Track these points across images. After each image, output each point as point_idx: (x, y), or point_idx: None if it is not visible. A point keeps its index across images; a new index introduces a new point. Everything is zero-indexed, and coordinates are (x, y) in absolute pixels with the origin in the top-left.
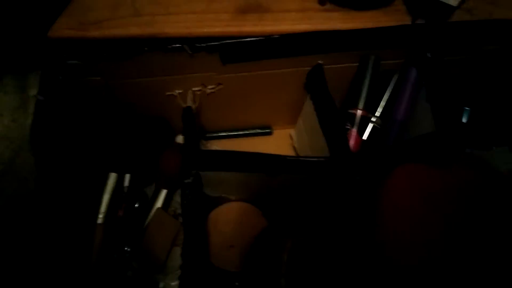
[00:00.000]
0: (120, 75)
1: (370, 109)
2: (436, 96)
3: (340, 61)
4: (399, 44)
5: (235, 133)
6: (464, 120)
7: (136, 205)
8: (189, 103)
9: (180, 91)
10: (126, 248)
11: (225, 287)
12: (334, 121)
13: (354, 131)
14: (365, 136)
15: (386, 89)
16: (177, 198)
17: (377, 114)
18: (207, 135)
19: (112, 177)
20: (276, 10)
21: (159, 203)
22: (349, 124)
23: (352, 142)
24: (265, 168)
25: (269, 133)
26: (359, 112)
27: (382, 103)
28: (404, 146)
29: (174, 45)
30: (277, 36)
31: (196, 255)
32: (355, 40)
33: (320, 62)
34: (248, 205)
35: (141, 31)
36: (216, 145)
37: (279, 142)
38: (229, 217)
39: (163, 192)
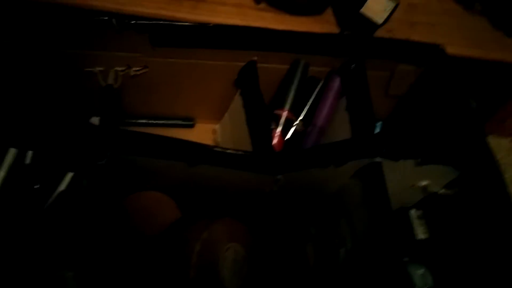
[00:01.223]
0: (39, 41)
1: (294, 112)
2: (354, 107)
3: (271, 61)
4: (326, 51)
5: (156, 121)
6: (377, 130)
7: (36, 187)
8: (111, 82)
9: (102, 69)
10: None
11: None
12: (261, 119)
13: (278, 131)
14: (287, 137)
15: (311, 95)
16: (85, 183)
17: (301, 117)
18: (126, 120)
19: (11, 152)
20: (211, 1)
21: (62, 187)
22: (274, 124)
23: (275, 141)
24: (186, 156)
25: (191, 126)
26: (284, 114)
27: (306, 108)
28: (318, 150)
29: (100, 17)
30: (211, 25)
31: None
32: (287, 42)
33: (254, 59)
34: (161, 195)
35: None
36: None
37: (200, 136)
38: (140, 206)
39: (69, 175)
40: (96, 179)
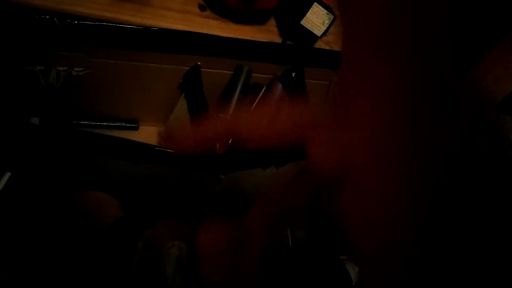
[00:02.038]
0: None
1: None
2: None
3: (216, 67)
4: (269, 59)
5: (98, 123)
6: None
7: None
8: (52, 81)
9: (42, 68)
10: None
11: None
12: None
13: None
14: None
15: (253, 100)
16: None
17: None
18: (68, 121)
19: None
20: (156, 5)
21: (0, 186)
22: None
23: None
24: (129, 155)
25: (135, 128)
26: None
27: None
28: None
29: (42, 16)
30: (156, 28)
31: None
32: (231, 48)
33: (198, 63)
34: (104, 195)
35: None
36: None
37: (145, 138)
38: (81, 206)
39: (7, 175)
40: (36, 179)
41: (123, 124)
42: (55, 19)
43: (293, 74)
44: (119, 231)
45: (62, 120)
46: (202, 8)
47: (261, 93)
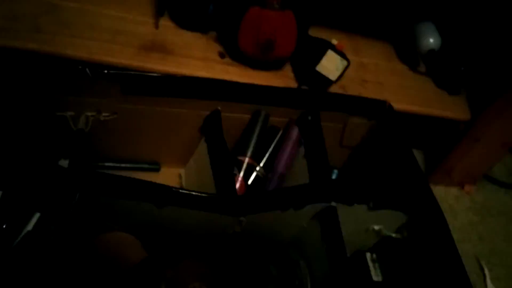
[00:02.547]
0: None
1: (256, 159)
2: (312, 154)
3: (235, 111)
4: (285, 104)
5: (122, 165)
6: (333, 177)
7: (3, 226)
8: (81, 126)
9: (72, 114)
10: None
11: None
12: (225, 164)
13: (240, 176)
14: (249, 182)
15: (271, 143)
16: (52, 223)
17: (262, 164)
18: (93, 163)
19: None
20: (179, 54)
21: (30, 227)
22: (236, 170)
23: (237, 185)
24: (153, 197)
25: (157, 170)
26: (246, 160)
27: (267, 155)
28: (278, 194)
29: (75, 66)
30: (179, 76)
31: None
32: (249, 93)
33: (218, 108)
34: (128, 236)
35: (39, 47)
36: None
37: (166, 180)
38: (106, 247)
39: (36, 215)
40: (64, 220)
41: (146, 165)
42: (87, 69)
43: (309, 118)
44: (142, 272)
45: (89, 162)
46: (221, 55)
47: (278, 136)
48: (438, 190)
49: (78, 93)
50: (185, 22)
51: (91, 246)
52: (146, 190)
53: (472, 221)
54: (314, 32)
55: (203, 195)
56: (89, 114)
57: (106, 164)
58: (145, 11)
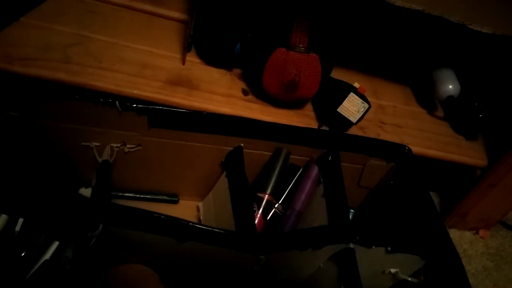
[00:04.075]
0: (39, 115)
1: (275, 196)
2: (331, 194)
3: (257, 148)
4: (306, 143)
5: (142, 196)
6: (350, 217)
7: (22, 254)
8: (105, 157)
9: (98, 144)
10: None
11: None
12: (245, 200)
13: (259, 213)
14: (267, 218)
15: (291, 181)
16: (69, 253)
17: (280, 201)
18: (112, 193)
19: (2, 218)
20: (204, 90)
21: (47, 255)
22: (255, 206)
23: (256, 221)
24: (174, 232)
25: (176, 202)
26: (266, 197)
27: (286, 192)
28: (298, 234)
29: (105, 99)
30: (205, 112)
31: None
32: (271, 131)
33: (241, 145)
34: (146, 269)
35: (68, 78)
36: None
37: (184, 212)
38: (124, 280)
39: (55, 244)
40: (84, 249)
41: (165, 197)
42: (117, 102)
43: (329, 158)
44: None
45: (110, 192)
46: (245, 93)
47: (297, 174)
48: (453, 234)
49: (105, 124)
50: (211, 59)
51: (109, 278)
52: (167, 224)
53: (486, 266)
54: (335, 73)
55: (223, 232)
56: (114, 145)
57: (126, 194)
58: (173, 47)
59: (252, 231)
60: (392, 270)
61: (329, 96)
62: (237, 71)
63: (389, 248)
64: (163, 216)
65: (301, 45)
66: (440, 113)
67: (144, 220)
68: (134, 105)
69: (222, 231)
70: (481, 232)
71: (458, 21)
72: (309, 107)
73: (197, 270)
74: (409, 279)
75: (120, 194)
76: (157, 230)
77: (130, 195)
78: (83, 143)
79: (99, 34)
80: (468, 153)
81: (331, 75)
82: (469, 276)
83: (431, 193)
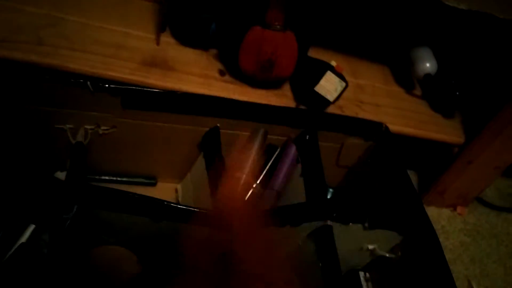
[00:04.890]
0: (10, 98)
1: (253, 176)
2: (309, 173)
3: (234, 128)
4: (284, 122)
5: (119, 179)
6: (328, 196)
7: None
8: (80, 139)
9: (71, 126)
10: None
11: None
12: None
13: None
14: (245, 198)
15: (269, 161)
16: (46, 236)
17: (258, 181)
18: (89, 176)
19: None
20: (180, 70)
21: (23, 239)
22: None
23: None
24: (150, 212)
25: (154, 184)
26: (243, 177)
27: (264, 172)
28: (277, 210)
29: (77, 80)
30: (180, 92)
31: None
32: (248, 111)
33: (218, 125)
34: (123, 250)
35: (40, 59)
36: None
37: (162, 195)
38: (101, 261)
39: (31, 227)
40: (59, 232)
41: (142, 180)
42: (89, 82)
43: (307, 137)
44: (137, 287)
45: (86, 175)
46: (222, 73)
47: (275, 154)
48: (431, 211)
49: (78, 106)
50: (186, 40)
51: (86, 260)
52: (143, 204)
53: (464, 242)
54: (313, 54)
55: (197, 209)
56: (88, 127)
57: (103, 177)
58: (148, 28)
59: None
60: (370, 247)
61: (306, 75)
62: (214, 51)
63: (366, 225)
64: (137, 196)
65: (276, 23)
66: (418, 91)
67: (118, 200)
68: (107, 86)
69: (195, 209)
70: (459, 209)
71: None
72: (287, 87)
73: (174, 250)
74: (387, 255)
75: (97, 177)
76: (132, 210)
77: (107, 178)
78: (56, 126)
79: (72, 16)
80: (445, 131)
81: (309, 55)
82: (447, 251)
83: (409, 171)
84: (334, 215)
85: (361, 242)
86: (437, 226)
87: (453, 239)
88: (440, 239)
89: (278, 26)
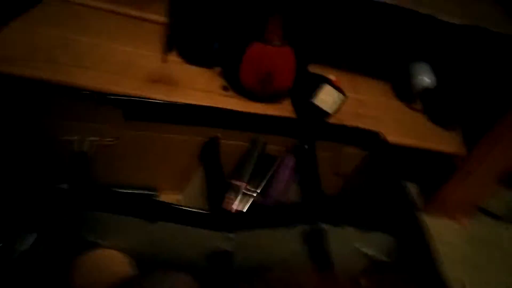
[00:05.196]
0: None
1: (253, 185)
2: (306, 182)
3: (234, 139)
4: (283, 133)
5: (120, 190)
6: None
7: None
8: (85, 150)
9: (77, 138)
10: None
11: None
12: (219, 185)
13: (237, 200)
14: (245, 209)
15: (268, 170)
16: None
17: (258, 190)
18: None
19: None
20: (184, 86)
21: (25, 246)
22: (233, 194)
23: (234, 208)
24: (145, 212)
25: (155, 196)
26: (243, 185)
27: (263, 182)
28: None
29: (81, 92)
30: (180, 103)
31: None
32: (247, 122)
33: (218, 135)
34: (116, 252)
35: (52, 76)
36: None
37: None
38: (94, 264)
39: (33, 236)
40: (53, 235)
41: (144, 191)
42: (94, 94)
43: (306, 147)
44: None
45: (88, 185)
46: (225, 89)
47: (274, 164)
48: (432, 221)
49: (83, 118)
50: (191, 58)
51: (79, 264)
52: (140, 205)
53: (465, 252)
54: (315, 71)
55: (194, 210)
56: (93, 138)
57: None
58: (155, 47)
59: (222, 209)
60: (364, 250)
61: (305, 89)
62: (217, 69)
63: (360, 228)
64: (131, 195)
65: (275, 39)
66: (418, 106)
67: (115, 201)
68: (111, 97)
69: (191, 209)
70: (460, 218)
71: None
72: (287, 102)
73: (169, 252)
74: (382, 259)
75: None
76: (127, 212)
77: None
78: (62, 137)
79: (84, 36)
80: (445, 142)
81: (309, 70)
82: (449, 262)
83: (410, 183)
84: (328, 217)
85: (355, 246)
86: (438, 236)
87: (455, 250)
88: (442, 249)
89: (277, 42)
